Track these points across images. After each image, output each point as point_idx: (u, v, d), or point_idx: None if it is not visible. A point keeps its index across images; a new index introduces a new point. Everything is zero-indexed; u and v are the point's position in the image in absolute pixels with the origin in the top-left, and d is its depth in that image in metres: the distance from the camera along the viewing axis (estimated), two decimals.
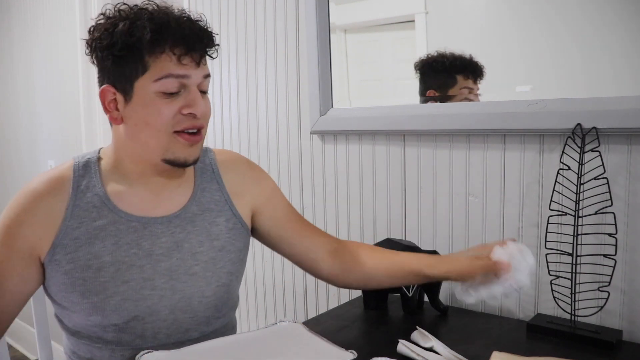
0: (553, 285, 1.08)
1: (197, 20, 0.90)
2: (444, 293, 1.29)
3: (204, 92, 0.92)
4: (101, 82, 0.91)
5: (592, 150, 1.04)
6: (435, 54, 1.29)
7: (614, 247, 1.04)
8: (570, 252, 1.06)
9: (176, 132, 0.89)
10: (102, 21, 0.89)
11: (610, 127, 1.03)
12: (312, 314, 1.59)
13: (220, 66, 1.79)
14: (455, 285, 0.96)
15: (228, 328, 1.05)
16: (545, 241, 1.10)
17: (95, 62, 0.91)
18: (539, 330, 1.07)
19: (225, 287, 1.00)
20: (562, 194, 1.09)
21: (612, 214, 1.03)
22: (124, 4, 0.90)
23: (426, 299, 1.22)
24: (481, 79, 1.23)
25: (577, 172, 1.06)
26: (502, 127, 1.17)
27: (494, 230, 1.22)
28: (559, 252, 1.08)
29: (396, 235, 1.39)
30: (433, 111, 1.29)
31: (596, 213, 1.05)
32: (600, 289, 1.04)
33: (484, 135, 1.22)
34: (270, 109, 1.66)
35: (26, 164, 2.72)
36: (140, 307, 0.91)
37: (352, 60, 1.50)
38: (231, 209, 1.02)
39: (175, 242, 0.95)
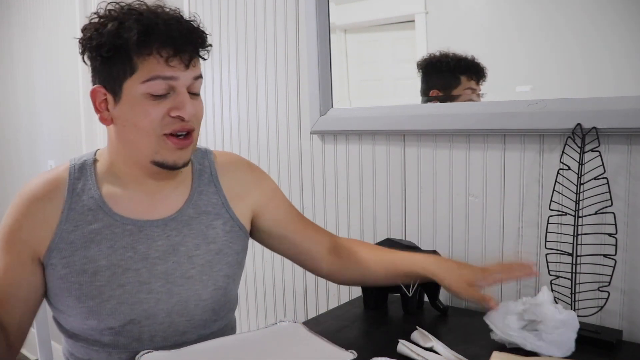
0: (553, 285, 1.08)
1: (190, 20, 0.89)
2: (444, 293, 1.29)
3: (194, 94, 0.90)
4: (93, 82, 0.90)
5: (592, 150, 1.04)
6: (438, 53, 1.29)
7: (614, 247, 1.04)
8: (570, 252, 1.06)
9: (165, 134, 0.88)
10: (94, 20, 0.88)
11: (610, 127, 1.03)
12: (312, 314, 1.59)
13: (220, 66, 1.79)
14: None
15: (227, 330, 1.04)
16: (545, 241, 1.10)
17: (86, 62, 0.90)
18: None
19: (222, 290, 0.99)
20: (562, 194, 1.09)
21: (612, 214, 1.03)
22: (116, 3, 0.88)
23: (426, 299, 1.22)
24: (484, 80, 1.23)
25: (577, 172, 1.06)
26: (502, 127, 1.17)
27: (494, 230, 1.22)
28: (559, 252, 1.08)
29: (396, 235, 1.39)
30: (433, 111, 1.29)
31: (596, 213, 1.05)
32: (600, 289, 1.04)
33: (484, 135, 1.22)
34: (270, 109, 1.66)
35: (26, 164, 2.72)
36: (136, 310, 0.91)
37: (352, 60, 1.50)
38: (228, 212, 1.01)
39: (171, 246, 0.94)
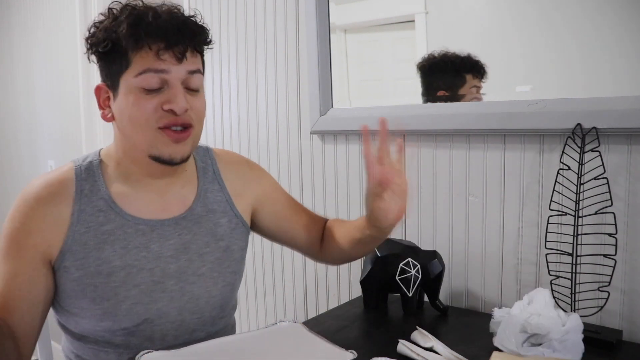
0: (553, 285, 1.08)
1: (189, 16, 0.89)
2: (444, 293, 1.29)
3: (193, 90, 0.89)
4: (100, 80, 0.92)
5: (592, 150, 1.04)
6: (437, 54, 1.29)
7: (614, 247, 1.04)
8: (570, 252, 1.06)
9: (160, 128, 0.87)
10: (97, 20, 0.89)
11: (610, 127, 1.03)
12: (312, 314, 1.59)
13: (220, 66, 1.79)
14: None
15: (229, 328, 1.05)
16: (545, 241, 1.10)
17: (92, 60, 0.91)
18: None
19: (230, 287, 1.01)
20: (562, 194, 1.09)
21: (612, 214, 1.03)
22: (119, 2, 0.88)
23: (426, 299, 1.22)
24: (486, 77, 1.23)
25: (577, 172, 1.06)
26: (502, 127, 1.17)
27: (494, 230, 1.22)
28: (559, 252, 1.08)
29: (396, 235, 1.39)
30: (433, 111, 1.29)
31: (596, 213, 1.05)
32: (600, 289, 1.04)
33: (484, 135, 1.22)
34: (270, 109, 1.66)
35: (26, 164, 2.72)
36: (150, 310, 0.91)
37: (352, 60, 1.49)
38: (232, 209, 1.02)
39: (182, 244, 0.94)
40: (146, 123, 0.86)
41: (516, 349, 0.91)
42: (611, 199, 1.03)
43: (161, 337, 0.93)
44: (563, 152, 1.08)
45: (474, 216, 1.25)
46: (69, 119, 2.34)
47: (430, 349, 0.96)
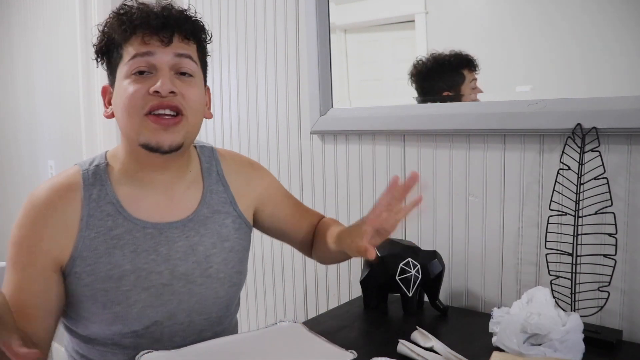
0: (553, 285, 1.08)
1: (181, 10, 0.91)
2: (444, 293, 1.29)
3: (183, 74, 0.89)
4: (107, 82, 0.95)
5: (592, 150, 1.04)
6: (427, 58, 1.30)
7: (614, 247, 1.04)
8: (570, 252, 1.06)
9: (147, 114, 0.87)
10: (98, 24, 0.94)
11: (610, 127, 1.03)
12: (312, 314, 1.59)
13: (220, 66, 1.79)
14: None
15: (233, 325, 1.07)
16: (545, 241, 1.10)
17: (101, 65, 0.95)
18: None
19: (236, 287, 1.01)
20: (562, 194, 1.09)
21: (612, 214, 1.03)
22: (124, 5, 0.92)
23: (426, 299, 1.22)
24: (479, 70, 1.23)
25: (577, 172, 1.06)
26: (502, 127, 1.17)
27: (494, 230, 1.22)
28: (559, 252, 1.08)
29: (396, 235, 1.39)
30: (433, 111, 1.29)
31: (596, 213, 1.05)
32: (600, 289, 1.04)
33: (484, 135, 1.22)
34: (270, 109, 1.66)
35: (26, 164, 2.72)
36: (160, 312, 0.91)
37: (352, 60, 1.49)
38: (236, 209, 1.03)
39: (190, 246, 0.95)
40: (134, 109, 0.87)
41: (517, 348, 0.91)
42: (611, 199, 1.03)
43: (170, 338, 0.93)
44: (563, 152, 1.08)
45: (474, 216, 1.25)
46: (69, 119, 2.34)
47: (430, 349, 0.96)
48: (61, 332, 0.98)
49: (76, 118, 2.25)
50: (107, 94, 0.94)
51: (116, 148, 0.97)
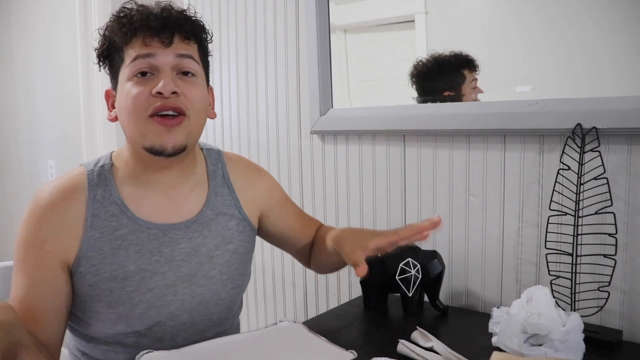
0: (553, 285, 1.08)
1: (181, 10, 0.91)
2: (444, 293, 1.29)
3: (185, 74, 0.90)
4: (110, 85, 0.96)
5: (592, 150, 1.04)
6: (427, 59, 1.29)
7: (614, 247, 1.04)
8: (570, 252, 1.06)
9: (151, 116, 0.87)
10: (99, 28, 0.94)
11: (610, 127, 1.03)
12: (312, 314, 1.59)
13: (220, 66, 1.79)
14: None
15: (235, 326, 1.07)
16: (545, 241, 1.10)
17: (104, 69, 0.95)
18: None
19: (238, 289, 1.01)
20: (562, 194, 1.09)
21: (612, 214, 1.03)
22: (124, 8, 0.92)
23: (426, 299, 1.22)
24: (479, 70, 1.23)
25: (577, 172, 1.06)
26: (502, 127, 1.17)
27: (494, 230, 1.22)
28: (559, 252, 1.08)
29: None
30: (433, 111, 1.29)
31: (596, 213, 1.05)
32: (600, 289, 1.04)
33: (484, 135, 1.22)
34: (270, 109, 1.66)
35: (26, 164, 2.72)
36: (163, 313, 0.91)
37: (352, 60, 1.49)
38: (240, 212, 1.03)
39: (193, 247, 0.95)
40: (137, 111, 0.87)
41: (519, 348, 0.91)
42: (611, 199, 1.03)
43: (171, 338, 0.93)
44: (563, 152, 1.08)
45: (474, 216, 1.25)
46: (69, 119, 2.34)
47: (430, 349, 0.96)
48: None
49: (76, 118, 2.25)
50: (110, 98, 0.94)
51: (121, 149, 0.97)
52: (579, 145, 1.06)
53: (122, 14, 0.89)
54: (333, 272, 1.18)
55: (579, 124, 1.06)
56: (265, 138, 1.68)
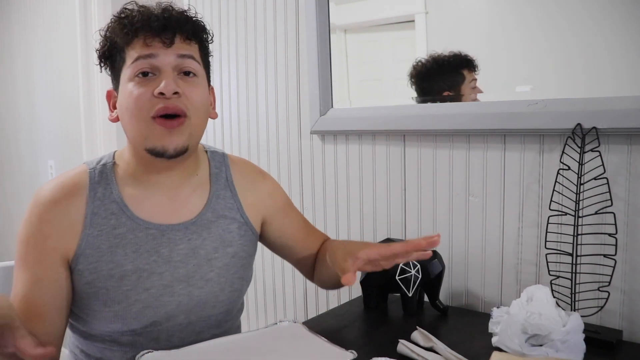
0: (553, 285, 1.08)
1: (182, 10, 0.91)
2: (444, 293, 1.29)
3: (186, 74, 0.90)
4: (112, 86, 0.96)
5: (592, 150, 1.04)
6: (426, 59, 1.29)
7: (614, 247, 1.04)
8: (570, 252, 1.06)
9: (153, 118, 0.87)
10: (100, 29, 0.94)
11: (610, 127, 1.03)
12: (312, 314, 1.59)
13: (220, 66, 1.79)
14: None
15: (235, 328, 1.06)
16: (545, 241, 1.10)
17: (105, 70, 0.95)
18: None
19: (237, 292, 1.01)
20: (562, 194, 1.09)
21: (612, 214, 1.03)
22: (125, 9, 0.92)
23: (426, 299, 1.22)
24: (478, 70, 1.23)
25: (577, 172, 1.06)
26: (502, 127, 1.17)
27: (494, 230, 1.22)
28: (559, 252, 1.08)
29: (396, 235, 1.39)
30: (433, 111, 1.29)
31: (596, 213, 1.05)
32: (600, 289, 1.04)
33: (484, 135, 1.22)
34: (270, 109, 1.66)
35: (26, 164, 2.72)
36: (159, 313, 0.91)
37: (352, 60, 1.49)
38: (243, 216, 1.02)
39: (191, 249, 0.95)
40: (140, 113, 0.87)
41: (520, 349, 0.91)
42: (611, 199, 1.03)
43: (167, 339, 0.93)
44: (563, 152, 1.08)
45: (474, 216, 1.25)
46: (69, 119, 2.34)
47: (430, 349, 0.96)
48: None
49: (76, 118, 2.25)
50: (111, 98, 0.95)
51: (124, 148, 0.97)
52: (579, 145, 1.06)
53: (123, 15, 0.89)
54: (335, 289, 1.15)
55: (579, 124, 1.06)
56: (265, 138, 1.68)
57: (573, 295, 1.05)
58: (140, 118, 0.87)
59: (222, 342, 0.94)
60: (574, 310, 1.05)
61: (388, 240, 1.23)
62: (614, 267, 1.03)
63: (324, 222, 1.54)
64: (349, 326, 1.14)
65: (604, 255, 1.04)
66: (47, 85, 2.48)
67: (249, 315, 1.79)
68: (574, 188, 1.06)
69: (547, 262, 1.10)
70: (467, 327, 1.12)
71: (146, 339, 0.92)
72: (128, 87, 0.88)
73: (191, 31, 0.91)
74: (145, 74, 0.87)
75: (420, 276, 1.16)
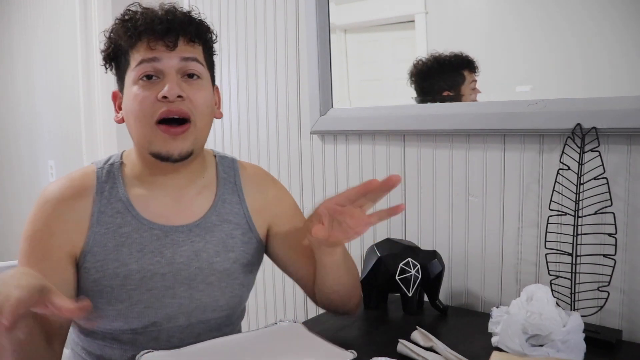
0: (553, 285, 1.08)
1: (185, 11, 0.92)
2: (444, 293, 1.29)
3: (190, 76, 0.90)
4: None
5: (591, 150, 1.05)
6: (427, 58, 1.29)
7: (613, 247, 1.04)
8: (570, 252, 1.06)
9: (157, 123, 0.88)
10: (105, 30, 0.94)
11: (610, 127, 1.03)
12: (312, 314, 1.59)
13: (220, 66, 1.79)
14: None
15: (234, 333, 1.05)
16: (545, 241, 1.10)
17: (110, 71, 0.96)
18: None
19: (238, 298, 1.00)
20: (561, 194, 1.09)
21: (611, 214, 1.03)
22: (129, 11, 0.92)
23: (426, 299, 1.22)
24: (478, 71, 1.24)
25: (576, 172, 1.06)
26: (502, 127, 1.17)
27: (493, 230, 1.22)
28: (558, 252, 1.08)
29: (396, 235, 1.39)
30: (433, 111, 1.29)
31: (596, 213, 1.05)
32: (600, 288, 1.04)
33: (483, 135, 1.22)
34: (270, 109, 1.66)
35: (26, 164, 2.72)
36: (160, 314, 0.92)
37: (352, 60, 1.50)
38: (249, 223, 1.02)
39: (194, 251, 0.95)
40: (144, 117, 0.88)
41: (521, 349, 0.91)
42: (611, 199, 1.03)
43: (167, 339, 0.94)
44: (563, 152, 1.08)
45: (473, 216, 1.25)
46: (69, 119, 2.34)
47: (430, 349, 0.96)
48: None
49: (76, 118, 2.25)
50: (117, 99, 0.95)
51: (132, 149, 0.98)
52: (579, 145, 1.06)
53: (126, 17, 0.90)
54: (337, 309, 1.07)
55: (578, 124, 1.06)
56: (265, 138, 1.68)
57: (573, 295, 1.05)
58: (145, 122, 0.88)
59: (222, 341, 0.94)
60: (574, 310, 1.05)
61: (388, 241, 1.23)
62: (613, 267, 1.03)
63: None
64: (349, 326, 1.14)
65: (604, 255, 1.04)
66: (47, 85, 2.48)
67: (249, 315, 1.79)
68: (573, 188, 1.06)
69: (547, 262, 1.10)
70: (467, 327, 1.12)
71: (146, 338, 0.92)
72: (132, 90, 0.89)
73: (194, 33, 0.91)
74: (149, 77, 0.88)
75: (420, 276, 1.16)
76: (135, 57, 0.88)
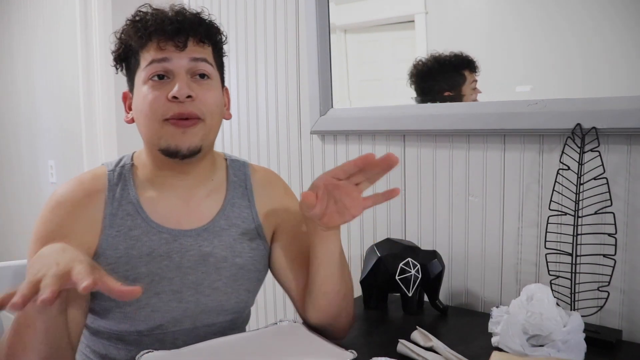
0: (553, 285, 1.08)
1: (195, 13, 0.92)
2: (444, 293, 1.29)
3: (200, 77, 0.91)
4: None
5: (591, 150, 1.05)
6: (427, 59, 1.30)
7: (613, 247, 1.04)
8: (570, 252, 1.06)
9: (166, 119, 0.88)
10: (116, 31, 0.95)
11: (610, 127, 1.03)
12: None
13: None
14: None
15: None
16: (545, 241, 1.10)
17: (121, 71, 0.96)
18: None
19: (243, 304, 1.00)
20: (561, 194, 1.09)
21: (611, 214, 1.03)
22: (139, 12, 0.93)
23: (426, 299, 1.22)
24: (479, 71, 1.24)
25: (576, 172, 1.06)
26: (502, 127, 1.17)
27: (493, 230, 1.22)
28: (558, 252, 1.09)
29: (396, 235, 1.39)
30: (433, 111, 1.29)
31: (596, 213, 1.05)
32: (600, 288, 1.04)
33: (483, 135, 1.22)
34: (270, 109, 1.66)
35: (26, 164, 2.72)
36: (166, 317, 0.92)
37: (352, 60, 1.50)
38: (257, 229, 1.00)
39: (201, 256, 0.95)
40: (154, 115, 0.88)
41: (521, 349, 0.91)
42: (611, 199, 1.03)
43: (172, 341, 0.94)
44: (563, 152, 1.08)
45: (473, 216, 1.26)
46: (69, 118, 2.34)
47: (430, 349, 0.96)
48: None
49: (76, 118, 2.25)
50: (127, 99, 0.96)
51: (142, 150, 0.98)
52: (579, 145, 1.06)
53: (137, 18, 0.90)
54: (325, 325, 0.99)
55: (578, 124, 1.06)
56: (265, 138, 1.68)
57: (573, 295, 1.06)
58: (155, 120, 0.89)
59: (222, 342, 0.94)
60: (574, 310, 1.05)
61: (388, 241, 1.23)
62: (613, 267, 1.03)
63: None
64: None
65: (604, 255, 1.05)
66: (47, 85, 2.48)
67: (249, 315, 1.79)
68: (573, 188, 1.06)
69: (547, 262, 1.10)
70: (467, 326, 1.12)
71: (152, 340, 0.93)
72: (143, 90, 0.89)
73: (204, 34, 0.91)
74: (160, 76, 0.89)
75: (420, 276, 1.16)
76: (145, 58, 0.89)
